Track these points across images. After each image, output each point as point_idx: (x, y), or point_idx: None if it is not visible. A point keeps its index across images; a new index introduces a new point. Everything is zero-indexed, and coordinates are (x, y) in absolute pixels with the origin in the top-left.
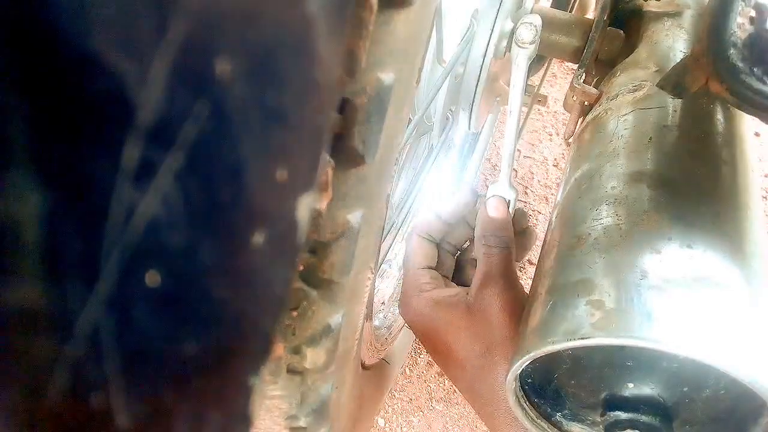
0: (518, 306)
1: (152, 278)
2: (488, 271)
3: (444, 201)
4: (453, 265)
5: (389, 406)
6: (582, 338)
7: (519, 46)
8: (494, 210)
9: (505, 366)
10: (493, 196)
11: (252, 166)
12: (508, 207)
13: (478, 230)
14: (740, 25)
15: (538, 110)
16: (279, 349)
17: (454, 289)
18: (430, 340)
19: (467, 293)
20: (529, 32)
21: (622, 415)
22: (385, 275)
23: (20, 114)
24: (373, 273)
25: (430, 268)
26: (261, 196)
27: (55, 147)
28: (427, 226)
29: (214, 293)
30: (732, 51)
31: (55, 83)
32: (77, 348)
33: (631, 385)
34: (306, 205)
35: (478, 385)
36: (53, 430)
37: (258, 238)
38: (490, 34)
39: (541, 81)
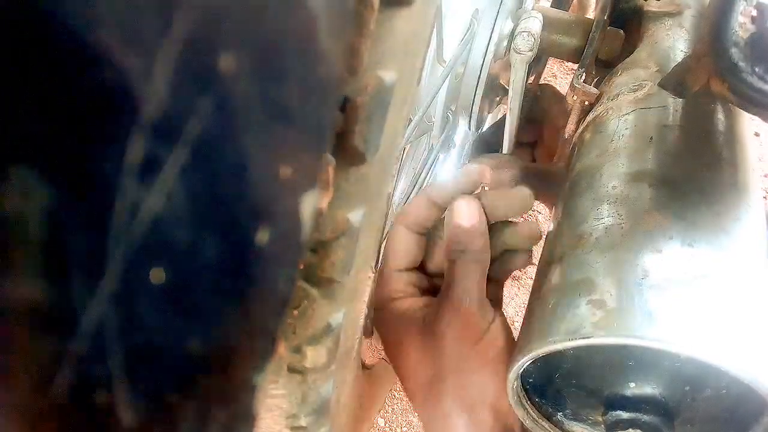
0: (478, 331)
1: (157, 275)
2: (449, 288)
3: (437, 183)
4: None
5: (389, 406)
6: (583, 338)
7: (517, 53)
8: (463, 217)
9: (452, 399)
10: (463, 198)
11: (256, 162)
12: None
13: (446, 237)
14: (742, 25)
15: None
16: (280, 348)
17: (424, 300)
18: (389, 357)
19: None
20: (526, 42)
21: (624, 415)
22: None
23: (25, 109)
24: (373, 272)
25: (413, 269)
26: (265, 192)
27: (61, 142)
28: (416, 215)
29: (219, 290)
30: (734, 50)
31: (61, 78)
32: (81, 345)
33: (632, 384)
34: (309, 203)
35: (425, 419)
36: (58, 426)
37: (263, 236)
38: (491, 35)
39: (539, 80)
